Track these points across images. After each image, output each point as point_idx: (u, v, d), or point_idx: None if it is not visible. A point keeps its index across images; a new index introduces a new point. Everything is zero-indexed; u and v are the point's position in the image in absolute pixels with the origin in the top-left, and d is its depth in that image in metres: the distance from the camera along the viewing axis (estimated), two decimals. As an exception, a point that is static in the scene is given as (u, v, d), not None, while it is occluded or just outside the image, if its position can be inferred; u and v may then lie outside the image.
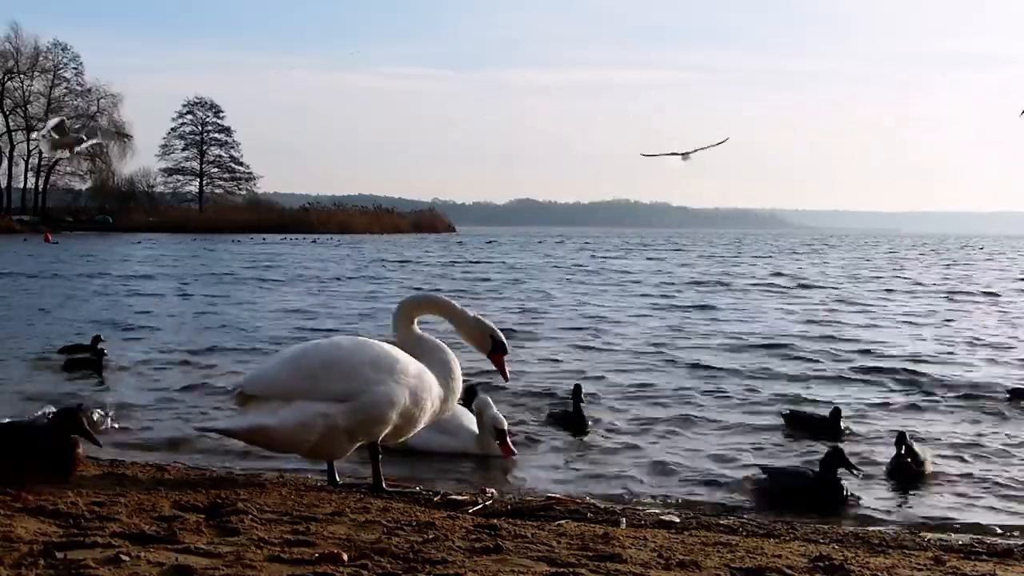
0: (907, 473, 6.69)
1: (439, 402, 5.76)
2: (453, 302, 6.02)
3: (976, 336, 15.40)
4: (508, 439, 7.06)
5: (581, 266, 39.05)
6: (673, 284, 28.14)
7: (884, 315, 19.03)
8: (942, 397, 9.91)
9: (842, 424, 7.98)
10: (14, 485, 4.65)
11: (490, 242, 74.01)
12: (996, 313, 19.99)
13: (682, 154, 8.43)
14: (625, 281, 29.43)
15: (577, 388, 8.30)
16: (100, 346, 10.96)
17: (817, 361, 12.42)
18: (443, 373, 5.79)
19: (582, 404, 8.15)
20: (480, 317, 6.01)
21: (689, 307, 20.34)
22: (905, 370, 11.54)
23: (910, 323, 17.55)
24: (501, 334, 6.02)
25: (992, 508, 6.19)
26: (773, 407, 9.19)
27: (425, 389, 5.64)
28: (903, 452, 6.76)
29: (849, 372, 11.55)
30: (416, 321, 5.96)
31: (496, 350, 5.99)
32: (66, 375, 10.57)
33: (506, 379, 6.28)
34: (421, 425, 5.78)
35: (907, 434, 6.93)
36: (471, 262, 41.71)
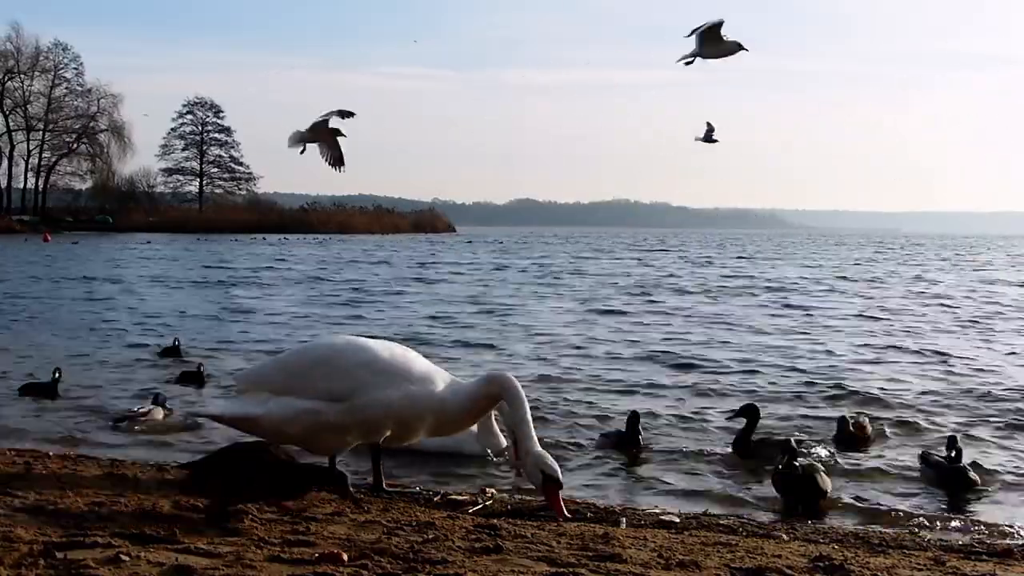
0: (962, 478, 6.48)
1: (441, 416, 5.56)
2: (528, 417, 5.40)
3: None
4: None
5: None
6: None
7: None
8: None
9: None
10: (250, 500, 4.65)
11: (501, 243, 73.59)
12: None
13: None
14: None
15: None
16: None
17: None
18: (459, 398, 5.56)
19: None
20: (542, 452, 5.35)
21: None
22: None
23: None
24: (558, 471, 5.33)
25: (992, 508, 6.19)
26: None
27: (428, 397, 5.49)
28: (954, 455, 6.56)
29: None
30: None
31: (547, 482, 5.31)
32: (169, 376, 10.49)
33: (563, 517, 5.31)
34: (422, 434, 5.66)
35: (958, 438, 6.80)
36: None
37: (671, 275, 33.14)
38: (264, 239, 67.80)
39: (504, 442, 6.93)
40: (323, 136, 8.07)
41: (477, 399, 5.53)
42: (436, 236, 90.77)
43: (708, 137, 9.44)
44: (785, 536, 5.18)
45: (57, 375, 9.29)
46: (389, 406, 5.42)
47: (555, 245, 71.31)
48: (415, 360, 5.63)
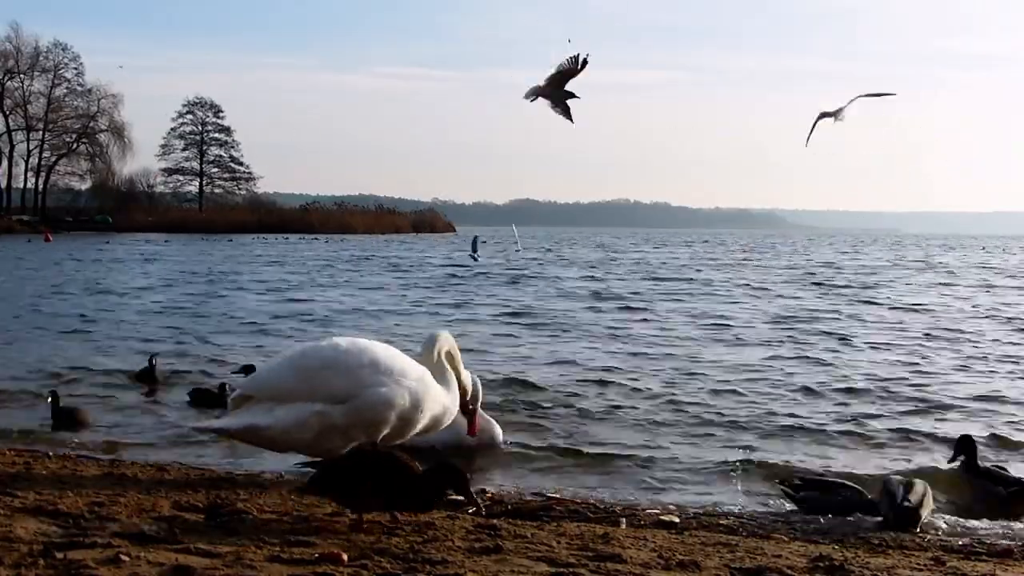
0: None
1: (440, 408, 5.82)
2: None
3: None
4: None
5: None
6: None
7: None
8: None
9: None
10: (371, 508, 4.56)
11: (514, 243, 72.77)
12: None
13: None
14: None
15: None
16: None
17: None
18: (448, 387, 5.93)
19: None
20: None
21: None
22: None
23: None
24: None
25: (992, 508, 6.18)
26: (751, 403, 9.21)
27: (426, 393, 5.71)
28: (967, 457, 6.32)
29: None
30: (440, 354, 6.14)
31: (472, 402, 6.67)
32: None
33: (473, 433, 6.88)
34: (419, 428, 5.80)
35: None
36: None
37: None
38: (264, 239, 67.80)
39: (500, 431, 7.20)
40: (556, 95, 7.84)
41: (426, 348, 6.01)
42: (437, 236, 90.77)
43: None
44: (785, 536, 5.18)
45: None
46: (393, 403, 5.56)
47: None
48: (409, 359, 5.80)
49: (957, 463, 6.44)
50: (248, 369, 9.48)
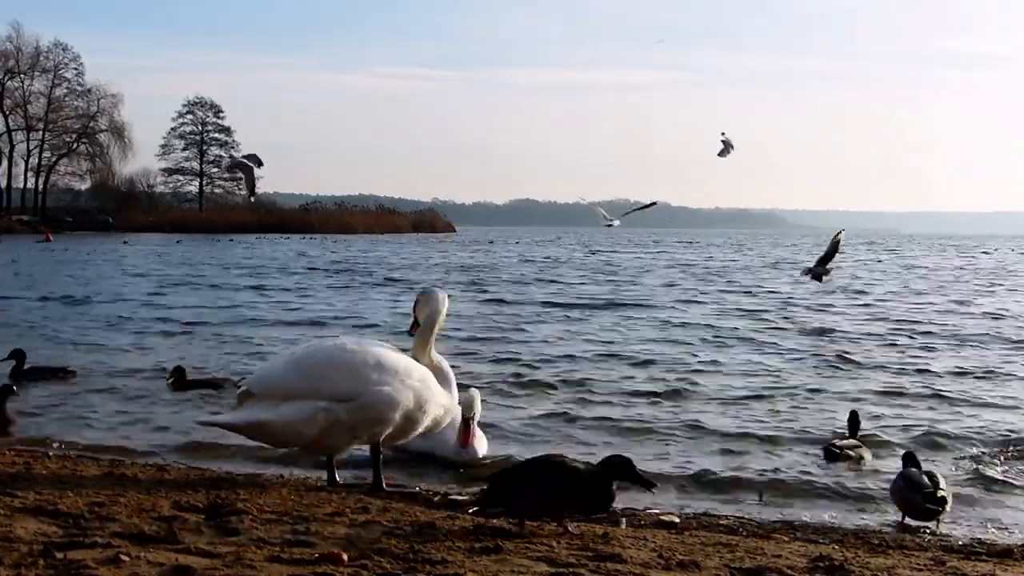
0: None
1: (440, 410, 5.88)
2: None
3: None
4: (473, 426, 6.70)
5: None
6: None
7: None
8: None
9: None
10: (556, 517, 4.65)
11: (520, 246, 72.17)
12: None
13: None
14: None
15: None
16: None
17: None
18: (449, 388, 5.97)
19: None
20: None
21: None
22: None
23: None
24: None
25: (992, 508, 6.19)
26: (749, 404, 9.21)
27: (429, 393, 5.77)
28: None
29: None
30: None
31: (466, 412, 6.48)
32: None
33: (466, 445, 6.60)
34: (422, 428, 5.85)
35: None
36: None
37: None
38: (265, 239, 67.79)
39: (484, 447, 6.84)
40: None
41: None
42: (438, 236, 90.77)
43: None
44: (785, 536, 5.18)
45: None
46: (397, 403, 5.62)
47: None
48: (411, 360, 5.85)
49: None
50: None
